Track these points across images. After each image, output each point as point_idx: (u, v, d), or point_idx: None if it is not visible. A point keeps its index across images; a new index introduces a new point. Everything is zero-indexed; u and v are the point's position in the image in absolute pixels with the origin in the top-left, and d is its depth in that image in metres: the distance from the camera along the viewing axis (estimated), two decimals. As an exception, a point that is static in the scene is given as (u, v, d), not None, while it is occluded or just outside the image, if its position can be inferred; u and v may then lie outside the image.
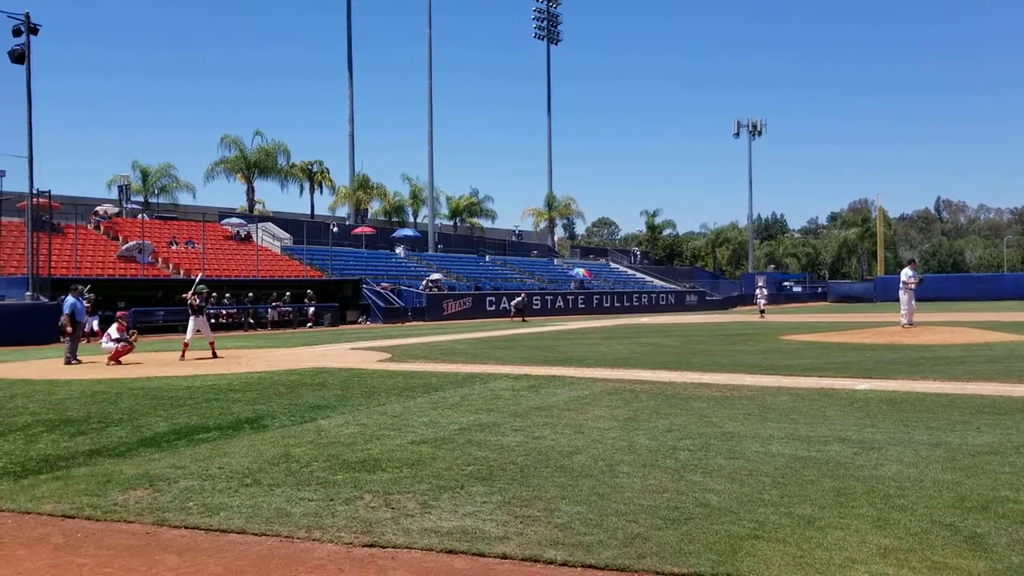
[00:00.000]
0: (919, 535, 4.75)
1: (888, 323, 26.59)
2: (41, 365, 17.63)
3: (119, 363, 17.29)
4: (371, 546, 4.82)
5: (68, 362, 17.64)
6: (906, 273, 24.28)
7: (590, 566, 4.40)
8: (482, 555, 4.62)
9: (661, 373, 13.89)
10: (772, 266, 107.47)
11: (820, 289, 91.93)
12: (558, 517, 5.25)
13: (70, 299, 18.87)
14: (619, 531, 4.94)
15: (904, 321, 23.52)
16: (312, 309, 38.76)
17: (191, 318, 19.46)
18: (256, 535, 5.07)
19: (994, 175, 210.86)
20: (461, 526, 5.11)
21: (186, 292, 20.22)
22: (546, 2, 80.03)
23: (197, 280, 20.70)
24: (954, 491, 5.71)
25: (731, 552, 4.50)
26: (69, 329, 18.27)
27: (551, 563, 4.47)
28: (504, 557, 4.57)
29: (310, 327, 37.17)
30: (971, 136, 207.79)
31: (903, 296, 23.99)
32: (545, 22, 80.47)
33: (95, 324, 28.78)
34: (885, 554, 4.43)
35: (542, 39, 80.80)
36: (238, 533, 5.12)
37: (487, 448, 7.52)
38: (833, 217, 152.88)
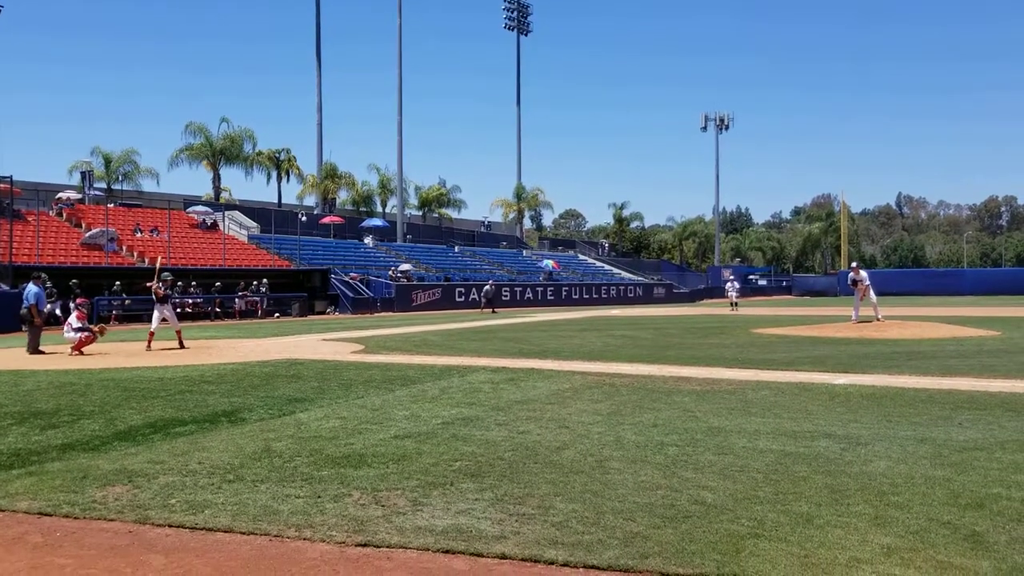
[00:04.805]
0: (919, 533, 4.72)
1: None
2: (3, 355, 17.16)
3: (82, 353, 16.86)
4: (364, 545, 4.68)
5: (33, 352, 17.19)
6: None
7: (592, 567, 4.30)
8: (480, 555, 4.50)
9: (639, 366, 13.85)
10: (738, 259, 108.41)
11: (785, 283, 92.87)
12: (554, 515, 5.15)
13: (33, 288, 18.29)
14: (617, 530, 4.85)
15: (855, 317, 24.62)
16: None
17: (156, 306, 19.04)
18: (244, 534, 4.90)
19: (953, 173, 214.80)
20: (455, 524, 4.99)
21: (150, 282, 19.56)
22: (516, -8, 79.84)
23: (158, 268, 19.92)
24: (946, 488, 5.70)
25: (734, 552, 4.43)
26: (38, 320, 17.77)
27: (552, 563, 4.36)
28: (503, 557, 4.46)
29: (278, 317, 36.68)
30: (932, 134, 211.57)
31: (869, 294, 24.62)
32: (515, 12, 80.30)
33: (57, 311, 28.31)
34: (889, 553, 4.39)
35: (512, 30, 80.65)
36: (225, 532, 4.95)
37: (473, 443, 7.40)
38: (797, 212, 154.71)
